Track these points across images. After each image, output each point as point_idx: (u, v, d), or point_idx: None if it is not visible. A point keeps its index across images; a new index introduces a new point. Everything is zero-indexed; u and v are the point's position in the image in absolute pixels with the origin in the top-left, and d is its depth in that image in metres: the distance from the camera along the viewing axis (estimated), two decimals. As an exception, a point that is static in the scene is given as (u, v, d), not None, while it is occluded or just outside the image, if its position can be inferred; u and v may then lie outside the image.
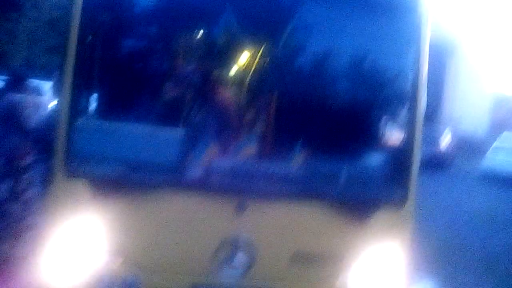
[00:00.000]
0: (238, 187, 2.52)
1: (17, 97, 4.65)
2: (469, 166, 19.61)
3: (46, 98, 9.40)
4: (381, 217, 2.59)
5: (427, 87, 2.64)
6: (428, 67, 2.66)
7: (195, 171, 2.53)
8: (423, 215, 10.27)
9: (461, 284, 5.73)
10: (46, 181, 4.26)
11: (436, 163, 17.66)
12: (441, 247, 6.83)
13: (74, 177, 2.42)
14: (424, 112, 2.69)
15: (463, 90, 30.06)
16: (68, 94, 2.46)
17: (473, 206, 11.05)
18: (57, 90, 5.02)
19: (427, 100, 2.64)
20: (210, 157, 2.60)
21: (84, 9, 2.45)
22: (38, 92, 6.31)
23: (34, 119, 4.81)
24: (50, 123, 4.42)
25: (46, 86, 8.01)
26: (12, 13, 19.60)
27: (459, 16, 30.55)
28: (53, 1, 22.01)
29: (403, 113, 2.72)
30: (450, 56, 30.82)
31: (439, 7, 30.31)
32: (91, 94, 2.63)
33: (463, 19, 30.66)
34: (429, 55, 2.66)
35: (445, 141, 19.30)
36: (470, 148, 23.98)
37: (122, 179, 2.42)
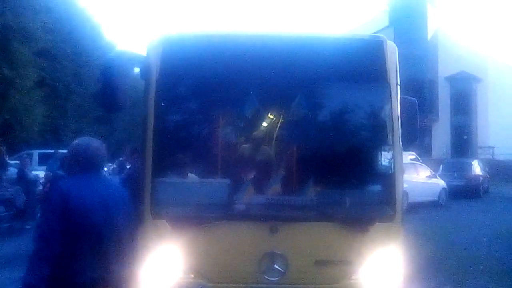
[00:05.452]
0: (271, 216, 3.55)
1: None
2: (504, 191, 19.89)
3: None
4: (377, 230, 3.54)
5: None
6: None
7: (240, 207, 3.61)
8: (461, 231, 11.35)
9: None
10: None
11: (471, 190, 18.12)
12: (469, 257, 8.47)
13: (158, 218, 3.50)
14: (401, 151, 3.70)
15: (494, 118, 30.21)
16: (149, 158, 3.55)
17: (505, 223, 11.72)
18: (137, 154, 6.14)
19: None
20: (250, 196, 3.67)
21: (157, 91, 3.55)
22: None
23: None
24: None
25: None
26: (62, 91, 21.84)
27: (485, 44, 30.99)
28: (97, 77, 24.20)
29: (385, 153, 3.74)
30: (478, 84, 31.17)
31: (466, 37, 30.98)
32: (166, 156, 3.71)
33: (489, 46, 31.03)
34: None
35: (477, 169, 19.65)
36: (505, 174, 24.03)
37: (191, 217, 3.50)
